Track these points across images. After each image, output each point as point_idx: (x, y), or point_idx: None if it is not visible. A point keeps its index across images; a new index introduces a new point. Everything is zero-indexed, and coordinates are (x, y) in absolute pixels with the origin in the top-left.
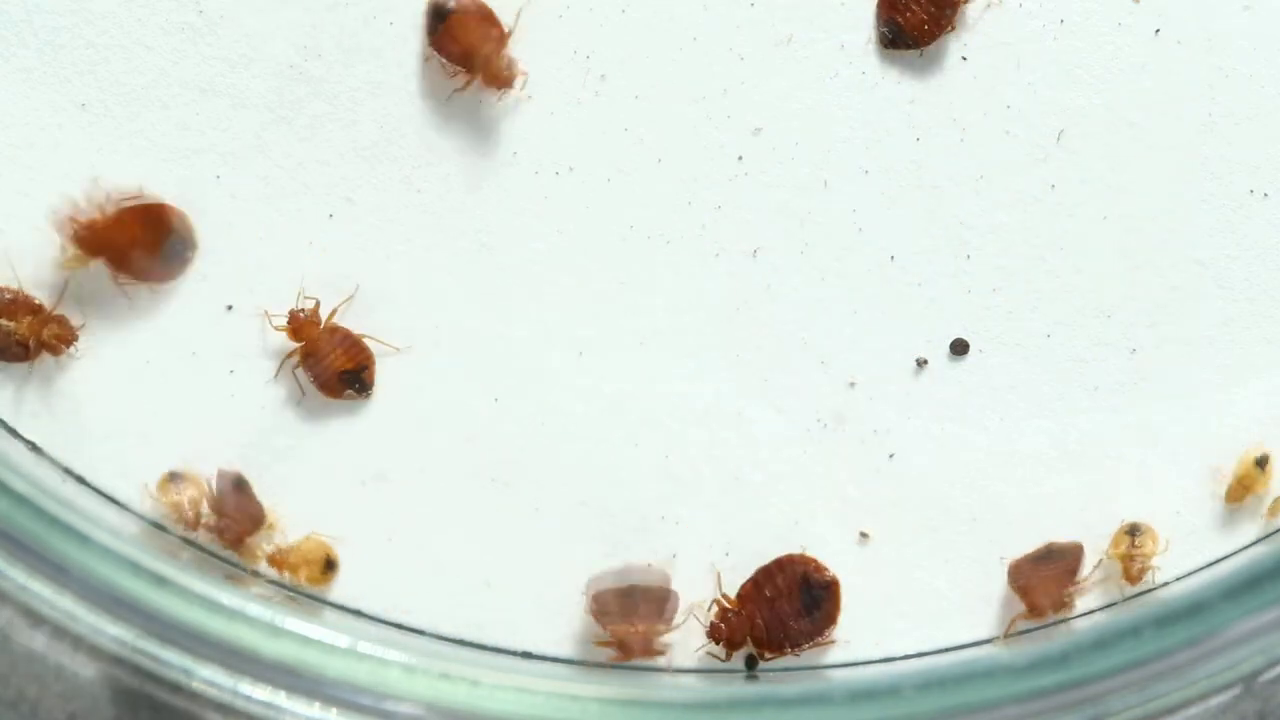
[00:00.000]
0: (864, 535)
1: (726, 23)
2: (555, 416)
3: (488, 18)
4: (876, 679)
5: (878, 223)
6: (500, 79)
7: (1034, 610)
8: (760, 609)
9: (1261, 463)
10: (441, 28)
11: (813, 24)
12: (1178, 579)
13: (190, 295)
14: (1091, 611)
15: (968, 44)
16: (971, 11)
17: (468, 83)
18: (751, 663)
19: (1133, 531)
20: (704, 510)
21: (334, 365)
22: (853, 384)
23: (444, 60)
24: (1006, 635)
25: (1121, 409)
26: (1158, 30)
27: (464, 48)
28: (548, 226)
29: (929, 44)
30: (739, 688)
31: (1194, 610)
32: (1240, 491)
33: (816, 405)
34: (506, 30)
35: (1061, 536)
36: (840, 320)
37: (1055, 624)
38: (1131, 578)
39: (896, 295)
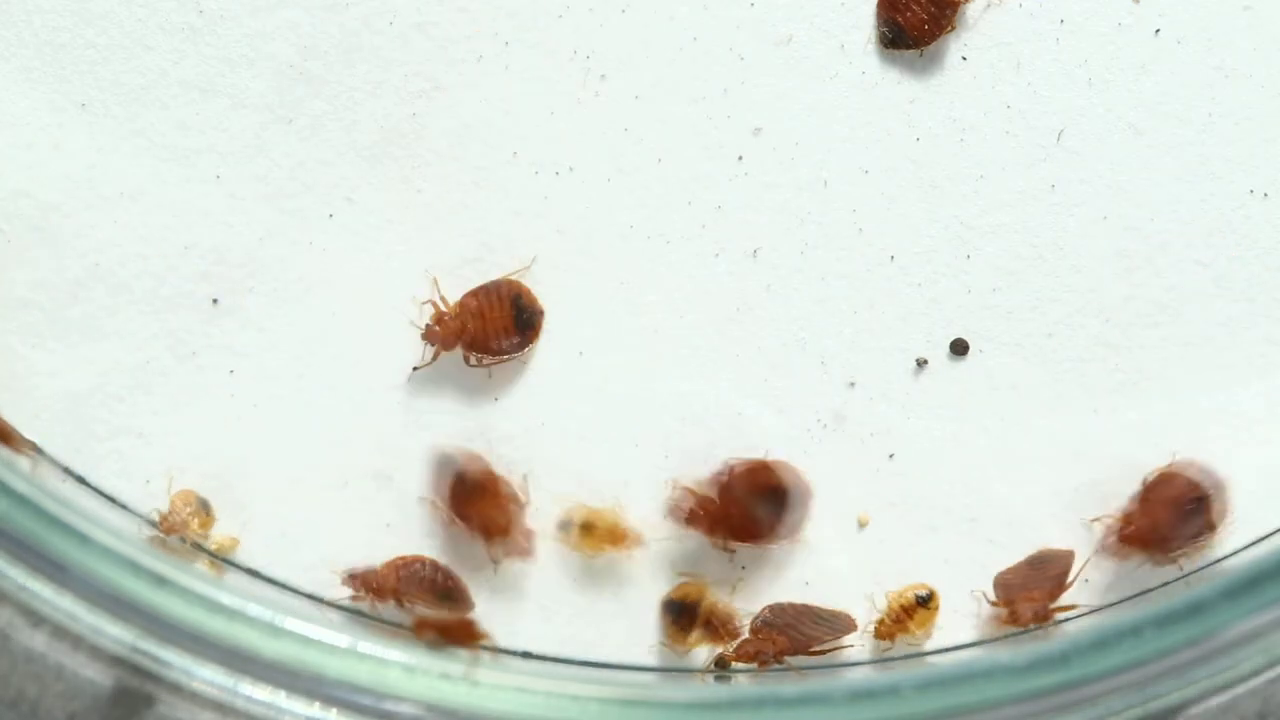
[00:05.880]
0: (863, 535)
1: (726, 23)
2: (555, 416)
3: (506, 493)
4: (876, 679)
5: (878, 223)
6: (518, 550)
7: (1014, 618)
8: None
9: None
10: (463, 498)
11: (813, 24)
12: (1177, 579)
13: (190, 295)
14: (1092, 611)
15: (968, 44)
16: (971, 11)
17: (488, 549)
18: (721, 663)
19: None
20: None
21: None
22: (853, 384)
23: (460, 524)
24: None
25: (1121, 409)
26: (1158, 30)
27: (482, 520)
28: (548, 226)
29: (929, 44)
30: (739, 688)
31: (1194, 610)
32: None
33: (816, 405)
34: (524, 500)
35: (1061, 536)
36: (840, 320)
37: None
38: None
39: (896, 295)
